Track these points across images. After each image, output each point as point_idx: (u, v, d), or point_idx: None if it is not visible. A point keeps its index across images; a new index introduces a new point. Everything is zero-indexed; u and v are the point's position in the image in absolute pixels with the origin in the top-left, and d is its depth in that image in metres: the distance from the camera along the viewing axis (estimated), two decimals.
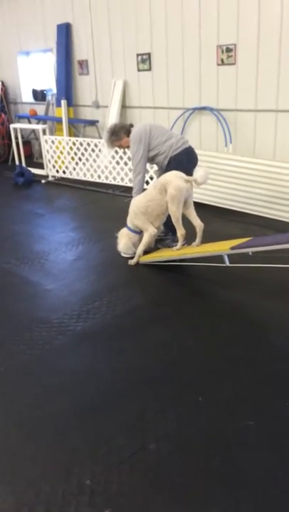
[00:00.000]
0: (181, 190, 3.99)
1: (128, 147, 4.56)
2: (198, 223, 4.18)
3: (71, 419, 2.54)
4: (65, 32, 8.11)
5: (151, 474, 2.17)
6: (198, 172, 4.16)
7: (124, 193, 6.81)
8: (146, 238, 4.38)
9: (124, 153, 6.86)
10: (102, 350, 3.18)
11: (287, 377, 2.79)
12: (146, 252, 4.50)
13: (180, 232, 4.17)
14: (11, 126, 8.56)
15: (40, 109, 9.28)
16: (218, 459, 2.23)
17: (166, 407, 2.59)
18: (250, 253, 3.72)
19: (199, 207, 5.93)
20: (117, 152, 6.88)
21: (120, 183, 6.99)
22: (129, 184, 6.86)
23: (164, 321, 3.48)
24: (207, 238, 4.30)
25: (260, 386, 2.72)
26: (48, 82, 9.24)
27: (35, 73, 9.65)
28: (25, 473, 2.22)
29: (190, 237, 4.28)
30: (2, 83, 9.89)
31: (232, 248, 3.71)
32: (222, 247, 3.87)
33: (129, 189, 6.86)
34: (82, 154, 7.39)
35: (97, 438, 2.40)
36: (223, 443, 2.33)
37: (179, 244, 4.24)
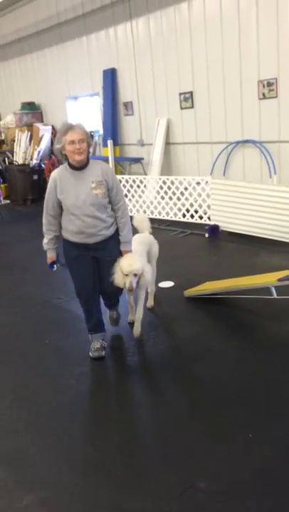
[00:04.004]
0: None
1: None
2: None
3: (119, 455, 2.55)
4: (110, 76, 8.52)
5: None
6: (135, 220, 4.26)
7: (170, 226, 6.90)
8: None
9: (169, 188, 6.99)
10: (149, 384, 3.19)
11: None
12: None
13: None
14: None
15: None
16: (269, 501, 2.16)
17: (215, 443, 2.56)
18: None
19: (245, 239, 5.93)
20: (161, 187, 7.02)
21: (165, 218, 7.10)
22: (174, 218, 6.96)
23: (211, 355, 3.45)
24: (253, 270, 4.26)
25: None
26: (95, 124, 9.66)
27: (82, 116, 10.13)
28: (76, 510, 2.24)
29: None
30: (53, 127, 10.44)
31: (279, 280, 3.66)
32: (269, 279, 3.83)
33: (174, 223, 6.97)
34: (128, 191, 7.60)
35: (146, 474, 2.39)
36: (274, 483, 2.26)
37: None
